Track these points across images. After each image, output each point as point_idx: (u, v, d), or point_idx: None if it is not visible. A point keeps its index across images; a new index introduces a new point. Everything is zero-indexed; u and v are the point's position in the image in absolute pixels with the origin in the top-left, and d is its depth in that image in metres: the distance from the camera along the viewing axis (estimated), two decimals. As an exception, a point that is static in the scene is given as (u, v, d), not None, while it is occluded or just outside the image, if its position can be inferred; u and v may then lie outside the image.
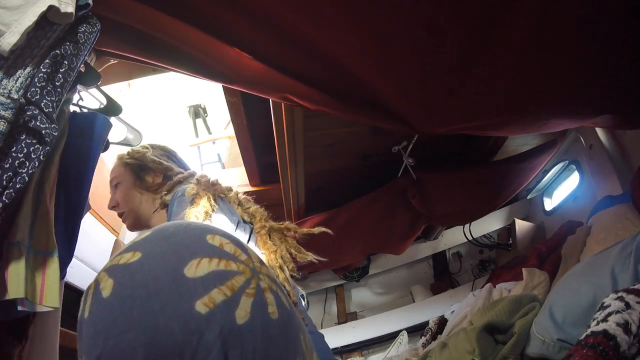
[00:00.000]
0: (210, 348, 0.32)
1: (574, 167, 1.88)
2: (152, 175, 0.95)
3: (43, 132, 0.59)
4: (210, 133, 2.19)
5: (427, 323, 2.12)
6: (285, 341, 0.36)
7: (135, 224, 0.96)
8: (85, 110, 0.91)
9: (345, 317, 2.54)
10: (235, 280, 0.35)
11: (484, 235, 2.45)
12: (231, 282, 0.34)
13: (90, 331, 0.33)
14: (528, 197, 2.33)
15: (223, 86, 1.14)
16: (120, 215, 0.98)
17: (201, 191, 0.81)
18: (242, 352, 0.32)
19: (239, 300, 0.34)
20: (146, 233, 0.38)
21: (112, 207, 0.97)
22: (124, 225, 1.48)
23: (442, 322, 2.00)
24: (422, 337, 2.03)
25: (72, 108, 0.84)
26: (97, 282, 0.35)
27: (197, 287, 0.33)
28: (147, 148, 0.99)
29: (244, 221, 0.85)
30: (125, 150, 1.00)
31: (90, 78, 0.81)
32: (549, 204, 2.17)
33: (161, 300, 0.32)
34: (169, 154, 1.01)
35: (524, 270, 1.51)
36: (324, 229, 0.81)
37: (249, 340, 0.33)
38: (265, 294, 0.36)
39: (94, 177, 0.84)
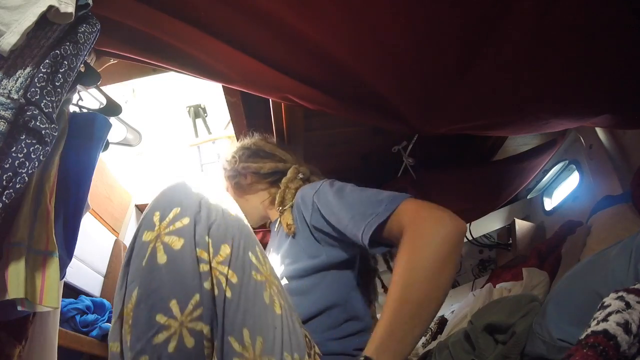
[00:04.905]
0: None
1: (574, 167, 1.88)
2: (243, 179, 1.06)
3: (43, 132, 0.59)
4: (210, 133, 2.19)
5: (427, 323, 2.12)
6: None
7: (253, 220, 1.05)
8: (85, 110, 0.91)
9: (346, 317, 2.53)
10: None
11: (484, 235, 2.45)
12: None
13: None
14: (528, 197, 2.33)
15: (223, 86, 1.14)
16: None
17: None
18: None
19: None
20: None
21: None
22: (124, 225, 1.48)
23: (442, 322, 2.00)
24: (422, 337, 2.03)
25: (72, 108, 0.84)
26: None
27: None
28: (234, 157, 1.07)
29: None
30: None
31: (90, 78, 0.81)
32: (549, 204, 2.17)
33: None
34: (254, 151, 1.08)
35: (524, 270, 1.51)
36: None
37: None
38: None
39: (94, 177, 0.85)
